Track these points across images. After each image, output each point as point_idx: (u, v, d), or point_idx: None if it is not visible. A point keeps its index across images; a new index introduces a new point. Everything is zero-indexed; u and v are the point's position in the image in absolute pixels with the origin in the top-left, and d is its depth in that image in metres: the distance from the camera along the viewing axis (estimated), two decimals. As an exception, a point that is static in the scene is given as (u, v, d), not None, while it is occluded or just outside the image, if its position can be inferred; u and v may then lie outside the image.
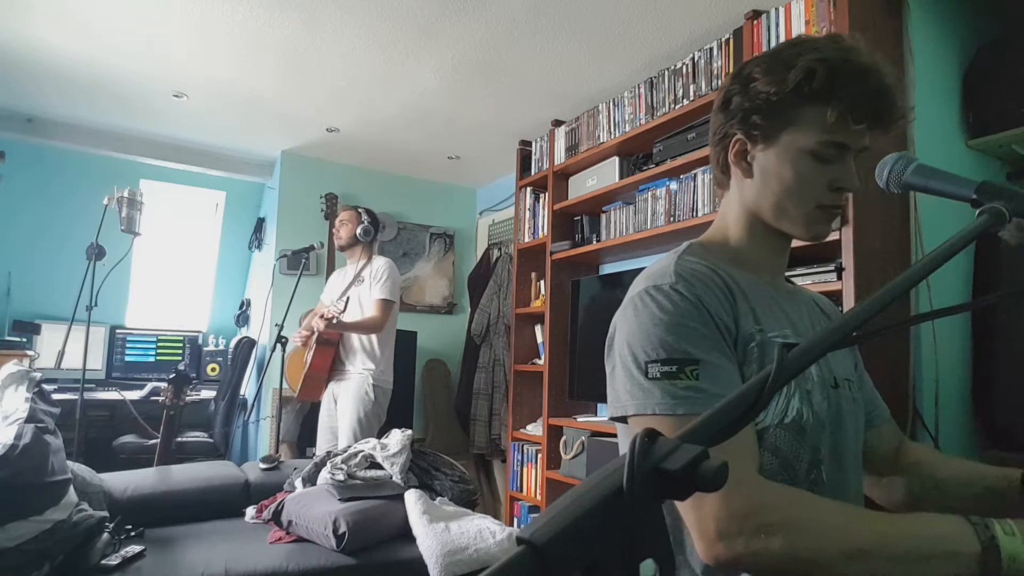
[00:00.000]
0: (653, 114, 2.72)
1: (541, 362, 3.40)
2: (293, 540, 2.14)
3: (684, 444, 0.35)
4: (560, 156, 3.31)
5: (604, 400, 0.85)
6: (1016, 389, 1.91)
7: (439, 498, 2.37)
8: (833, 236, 1.88)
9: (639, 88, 2.81)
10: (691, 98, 2.53)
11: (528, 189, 3.55)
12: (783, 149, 0.86)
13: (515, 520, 3.48)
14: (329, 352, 3.11)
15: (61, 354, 3.43)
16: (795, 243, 0.92)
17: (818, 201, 0.86)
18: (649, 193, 2.75)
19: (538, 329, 3.55)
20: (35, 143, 3.85)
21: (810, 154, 0.84)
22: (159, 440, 2.86)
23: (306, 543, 2.11)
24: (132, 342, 4.27)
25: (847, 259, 1.86)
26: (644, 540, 0.33)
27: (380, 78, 3.09)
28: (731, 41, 2.37)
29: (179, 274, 4.66)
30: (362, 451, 2.47)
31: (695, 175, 2.53)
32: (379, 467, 2.43)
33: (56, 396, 2.52)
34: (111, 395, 3.73)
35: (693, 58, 2.53)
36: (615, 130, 2.94)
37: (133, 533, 2.02)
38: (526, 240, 3.55)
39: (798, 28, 2.11)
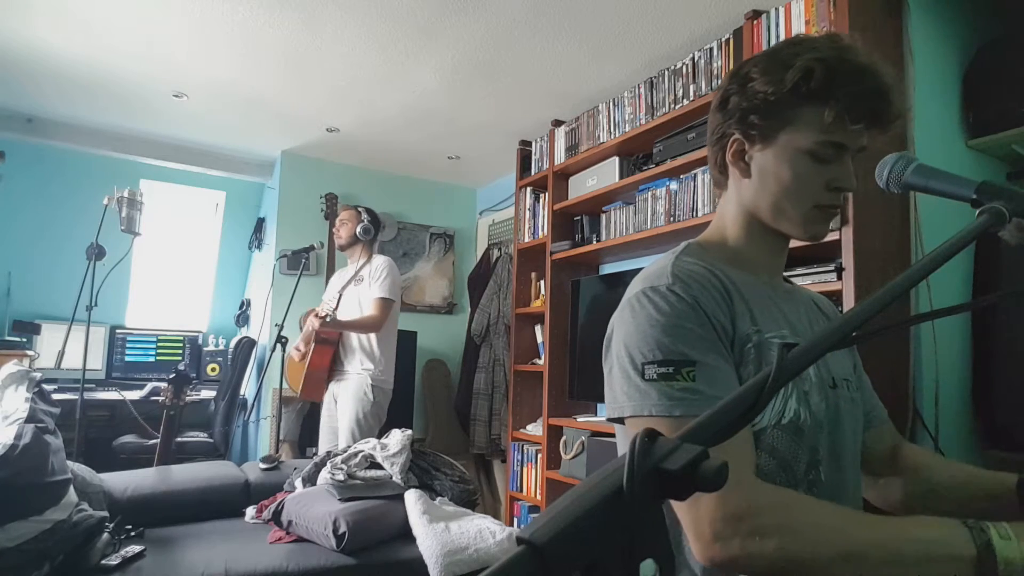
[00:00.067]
0: (653, 114, 2.72)
1: (541, 362, 3.40)
2: (293, 540, 2.14)
3: (684, 444, 0.35)
4: (560, 156, 3.31)
5: (604, 400, 0.85)
6: (1016, 389, 1.91)
7: (439, 498, 2.37)
8: (833, 236, 1.88)
9: (639, 88, 2.81)
10: (691, 98, 2.53)
11: (528, 189, 3.55)
12: (781, 149, 0.86)
13: (515, 520, 3.48)
14: (328, 351, 3.11)
15: (61, 354, 3.43)
16: (795, 243, 0.92)
17: (816, 201, 0.86)
18: (649, 193, 2.75)
19: (538, 329, 3.55)
20: (35, 143, 3.85)
21: (808, 154, 0.84)
22: (159, 440, 2.86)
23: (306, 543, 2.11)
24: (132, 342, 4.27)
25: (847, 259, 1.86)
26: (644, 540, 0.33)
27: (380, 78, 3.09)
28: (731, 41, 2.37)
29: (179, 274, 4.66)
30: (362, 451, 2.47)
31: (695, 175, 2.53)
32: (379, 467, 2.43)
33: (56, 396, 2.52)
34: (111, 395, 3.73)
35: (693, 58, 2.53)
36: (615, 130, 2.94)
37: (133, 533, 2.02)
38: (526, 240, 3.55)
39: (798, 28, 2.11)
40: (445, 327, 4.64)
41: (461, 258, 4.80)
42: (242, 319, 4.59)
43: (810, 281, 1.97)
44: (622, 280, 2.93)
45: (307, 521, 2.12)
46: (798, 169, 0.85)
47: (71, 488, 1.91)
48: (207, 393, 4.12)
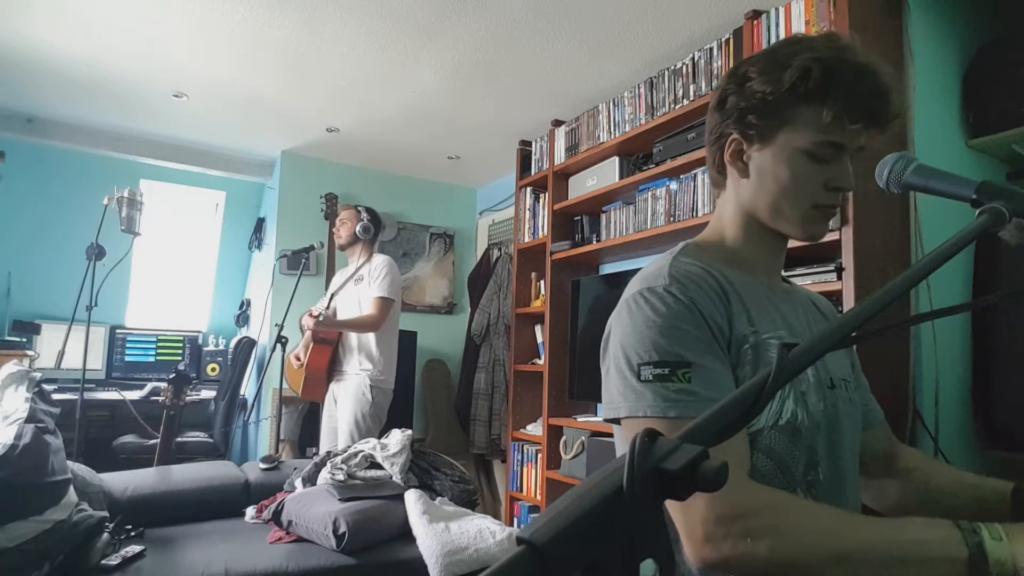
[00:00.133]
0: (653, 114, 2.72)
1: (541, 362, 3.40)
2: (293, 540, 2.14)
3: (684, 444, 0.35)
4: (560, 156, 3.31)
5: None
6: (1016, 389, 1.91)
7: (439, 498, 2.37)
8: (833, 236, 1.88)
9: (639, 88, 2.81)
10: (691, 98, 2.53)
11: (528, 189, 3.55)
12: (779, 149, 0.85)
13: (515, 520, 3.48)
14: (326, 351, 3.10)
15: (61, 354, 3.43)
16: (794, 243, 0.92)
17: (814, 201, 0.86)
18: (649, 193, 2.75)
19: (538, 329, 3.55)
20: (35, 143, 3.85)
21: (806, 154, 0.84)
22: (159, 440, 2.86)
23: (306, 543, 2.11)
24: (132, 342, 4.27)
25: (847, 259, 1.86)
26: (644, 540, 0.33)
27: (380, 78, 3.09)
28: (731, 41, 2.37)
29: (179, 274, 4.66)
30: (362, 451, 2.47)
31: (695, 175, 2.53)
32: (379, 467, 2.43)
33: (56, 396, 2.53)
34: (111, 395, 3.73)
35: (693, 58, 2.53)
36: (615, 130, 2.94)
37: (133, 533, 2.02)
38: (526, 240, 3.55)
39: (798, 28, 2.11)
40: (445, 327, 4.64)
41: (461, 258, 4.80)
42: (242, 319, 4.59)
43: (810, 281, 1.97)
44: (622, 280, 2.92)
45: (307, 521, 2.12)
46: (796, 169, 0.85)
47: (71, 488, 1.91)
48: (207, 393, 4.12)
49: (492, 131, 3.71)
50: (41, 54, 2.96)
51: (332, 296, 3.11)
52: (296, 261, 3.53)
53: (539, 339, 3.53)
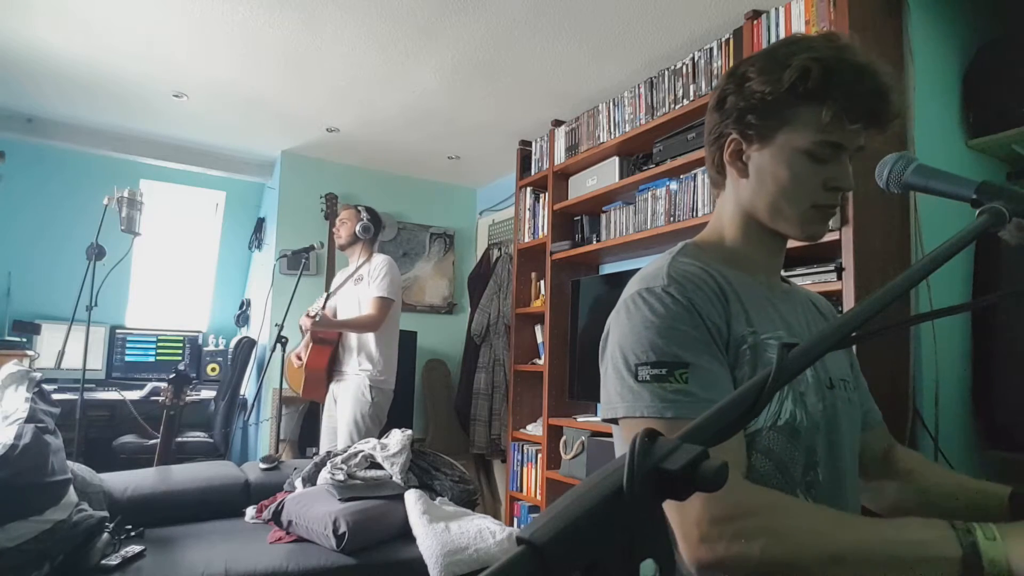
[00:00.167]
0: (653, 114, 2.72)
1: (541, 362, 3.40)
2: (293, 540, 2.14)
3: (684, 444, 0.35)
4: (560, 156, 3.31)
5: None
6: (1016, 389, 1.91)
7: (439, 498, 2.37)
8: (833, 236, 1.88)
9: (639, 88, 2.81)
10: (691, 98, 2.53)
11: (528, 189, 3.55)
12: (778, 149, 0.85)
13: (515, 520, 3.48)
14: (325, 351, 3.10)
15: (61, 354, 3.43)
16: (795, 243, 0.92)
17: (813, 201, 0.86)
18: (649, 193, 2.75)
19: (538, 329, 3.55)
20: (35, 143, 3.85)
21: (805, 154, 0.84)
22: (159, 440, 2.86)
23: (306, 543, 2.11)
24: (132, 342, 4.27)
25: (847, 259, 1.86)
26: (644, 540, 0.33)
27: (380, 78, 3.09)
28: (731, 41, 2.37)
29: (179, 274, 4.66)
30: (362, 451, 2.47)
31: (695, 175, 2.53)
32: (379, 467, 2.43)
33: (56, 396, 2.53)
34: (111, 395, 3.73)
35: (693, 58, 2.53)
36: (615, 130, 2.94)
37: (133, 533, 2.02)
38: (526, 240, 3.55)
39: (798, 28, 2.11)
40: (445, 327, 4.64)
41: (461, 258, 4.80)
42: (242, 319, 4.59)
43: (810, 281, 1.97)
44: (622, 280, 2.92)
45: (307, 521, 2.12)
46: (796, 169, 0.85)
47: (71, 488, 1.91)
48: (207, 393, 4.12)
49: (492, 131, 3.71)
50: (41, 54, 2.96)
51: (328, 296, 3.10)
52: (296, 261, 3.53)
53: (539, 339, 3.53)
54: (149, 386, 3.78)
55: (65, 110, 3.67)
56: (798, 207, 0.86)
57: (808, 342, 0.48)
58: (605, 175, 3.02)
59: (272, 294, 3.97)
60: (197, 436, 3.93)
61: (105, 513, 1.94)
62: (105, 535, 1.87)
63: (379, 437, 2.60)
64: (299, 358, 3.15)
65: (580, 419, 3.06)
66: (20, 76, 3.21)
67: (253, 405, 3.95)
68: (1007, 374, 1.94)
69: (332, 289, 3.23)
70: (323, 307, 2.96)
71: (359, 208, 3.25)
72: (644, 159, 2.88)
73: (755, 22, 2.27)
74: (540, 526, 0.32)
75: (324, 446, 3.11)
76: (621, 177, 2.92)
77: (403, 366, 3.35)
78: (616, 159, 2.97)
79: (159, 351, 4.34)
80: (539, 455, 3.27)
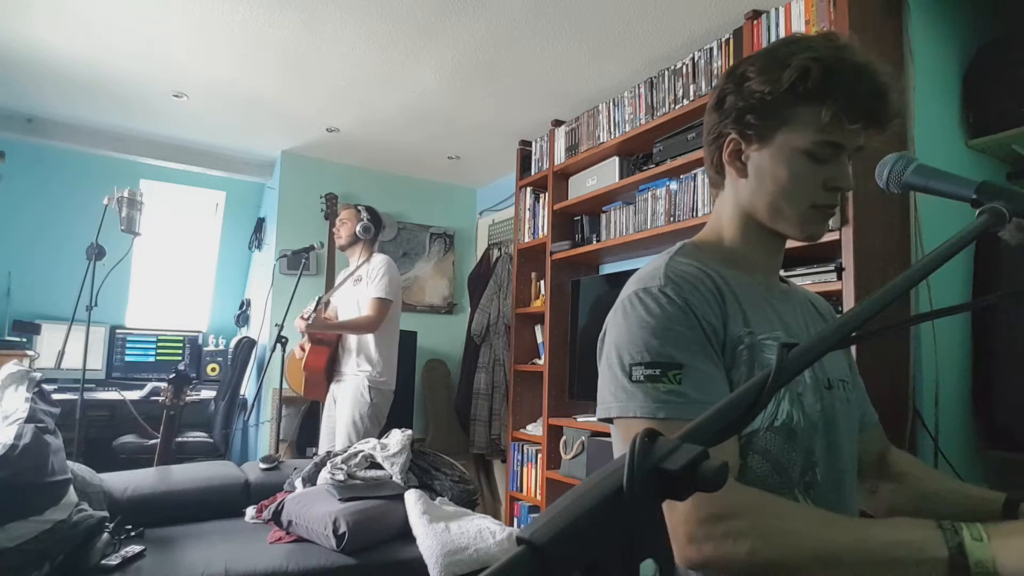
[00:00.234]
0: (653, 114, 2.72)
1: (541, 362, 3.40)
2: (293, 540, 2.14)
3: (684, 444, 0.35)
4: (560, 156, 3.31)
5: (601, 400, 0.85)
6: (1016, 389, 1.91)
7: (439, 498, 2.37)
8: (833, 236, 1.88)
9: (639, 88, 2.81)
10: (691, 98, 2.53)
11: (528, 189, 3.55)
12: (778, 149, 0.85)
13: (515, 520, 3.48)
14: (324, 351, 3.10)
15: (61, 354, 3.43)
16: (794, 243, 0.92)
17: (813, 201, 0.85)
18: (649, 193, 2.75)
19: (538, 329, 3.55)
20: (35, 143, 3.85)
21: (805, 154, 0.84)
22: (159, 440, 2.86)
23: (306, 543, 2.11)
24: (132, 342, 4.27)
25: (847, 259, 1.86)
26: (644, 540, 0.33)
27: (380, 78, 3.09)
28: (731, 41, 2.37)
29: (179, 274, 4.66)
30: (362, 451, 2.47)
31: (695, 175, 2.53)
32: (379, 467, 2.43)
33: (56, 396, 2.52)
34: (111, 395, 3.73)
35: (693, 58, 2.53)
36: (615, 130, 2.94)
37: (133, 533, 2.02)
38: (526, 240, 3.55)
39: (798, 28, 2.11)
40: (445, 327, 4.64)
41: (461, 258, 4.80)
42: (242, 319, 4.59)
43: (810, 281, 1.97)
44: (622, 280, 2.91)
45: (307, 521, 2.12)
46: (795, 169, 0.84)
47: (71, 488, 1.91)
48: (207, 393, 4.11)
49: (492, 131, 3.71)
50: (41, 54, 2.96)
51: (320, 299, 3.08)
52: (296, 261, 3.53)
53: (539, 339, 3.53)
54: (149, 386, 3.78)
55: (65, 110, 3.67)
56: (797, 207, 0.86)
57: (808, 342, 0.48)
58: (605, 175, 3.02)
59: (272, 294, 3.97)
60: (197, 436, 3.93)
61: (105, 513, 1.94)
62: (105, 535, 1.87)
63: (379, 437, 2.60)
64: (302, 349, 3.14)
65: (580, 419, 3.06)
66: (20, 76, 3.21)
67: (253, 405, 3.95)
68: (1007, 374, 1.94)
69: (331, 290, 3.22)
70: (315, 308, 2.95)
71: (359, 208, 3.24)
72: (644, 159, 2.88)
73: (755, 22, 2.27)
74: (540, 526, 0.32)
75: (324, 446, 3.11)
76: (621, 177, 2.92)
77: (403, 366, 3.35)
78: (616, 159, 2.97)
79: (159, 351, 4.34)
80: (539, 455, 3.27)
